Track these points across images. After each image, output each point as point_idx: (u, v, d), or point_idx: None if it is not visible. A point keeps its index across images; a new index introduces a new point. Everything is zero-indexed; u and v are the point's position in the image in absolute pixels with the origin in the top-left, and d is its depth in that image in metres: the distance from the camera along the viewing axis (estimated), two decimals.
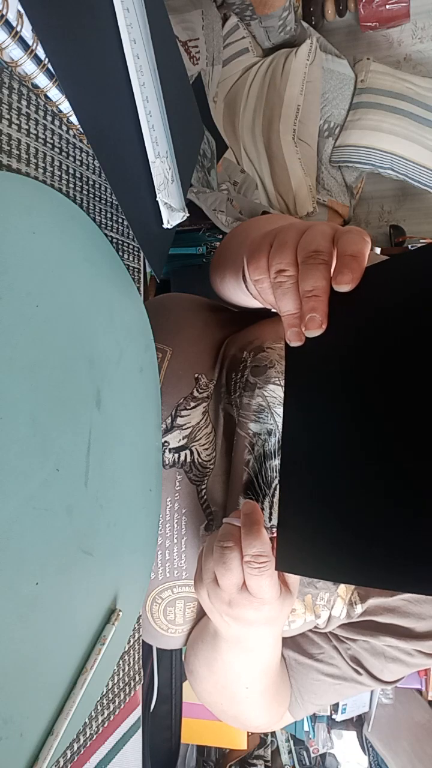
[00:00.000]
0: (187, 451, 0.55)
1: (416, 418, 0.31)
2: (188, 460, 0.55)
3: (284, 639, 0.56)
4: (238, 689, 0.52)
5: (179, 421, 0.56)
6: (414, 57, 2.11)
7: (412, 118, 1.87)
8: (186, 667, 0.57)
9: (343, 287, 0.35)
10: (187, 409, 0.56)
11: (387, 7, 2.00)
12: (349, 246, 0.36)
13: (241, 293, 0.54)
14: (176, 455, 0.55)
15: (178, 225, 0.52)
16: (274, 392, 0.52)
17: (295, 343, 0.39)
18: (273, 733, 1.52)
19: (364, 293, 0.36)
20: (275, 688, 0.53)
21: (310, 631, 0.56)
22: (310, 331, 0.37)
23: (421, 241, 1.87)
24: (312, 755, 1.47)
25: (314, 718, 1.46)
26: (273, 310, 0.44)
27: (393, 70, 1.94)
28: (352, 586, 0.52)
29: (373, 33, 2.10)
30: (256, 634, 0.45)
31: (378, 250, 1.73)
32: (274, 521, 0.51)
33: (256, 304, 0.51)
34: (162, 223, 0.50)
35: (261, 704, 0.53)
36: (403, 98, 1.88)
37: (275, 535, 0.40)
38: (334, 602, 0.52)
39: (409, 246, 1.84)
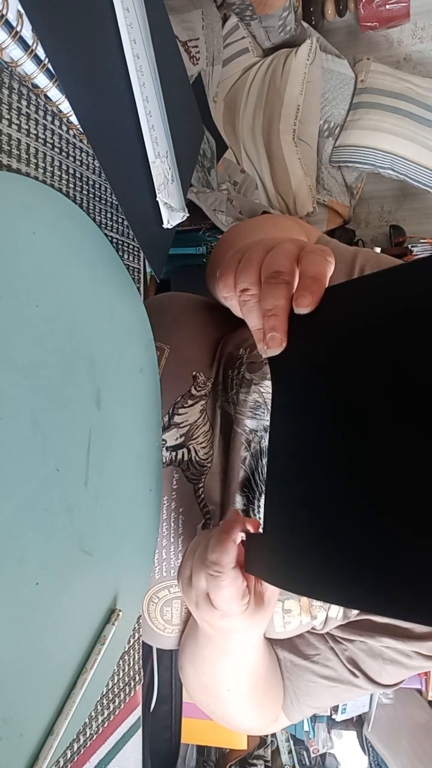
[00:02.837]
0: (185, 450, 0.55)
1: (384, 440, 0.31)
2: (185, 458, 0.55)
3: (280, 640, 0.56)
4: (220, 690, 0.52)
5: (177, 419, 0.56)
6: (414, 57, 2.11)
7: (412, 118, 1.87)
8: (178, 664, 0.57)
9: (302, 310, 0.36)
10: (185, 407, 0.56)
11: (387, 7, 2.00)
12: (310, 267, 0.36)
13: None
14: (173, 453, 0.55)
15: (178, 225, 0.52)
16: (270, 388, 0.52)
17: (266, 356, 0.40)
18: (273, 734, 1.52)
19: (332, 312, 0.36)
20: (262, 690, 0.53)
21: (307, 632, 0.56)
22: (270, 350, 0.38)
23: (421, 241, 1.86)
24: (312, 755, 1.47)
25: (314, 718, 1.46)
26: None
27: (393, 70, 1.94)
28: None
29: (373, 33, 2.10)
30: (231, 638, 0.45)
31: (378, 250, 1.72)
32: None
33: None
34: (162, 223, 0.50)
35: (246, 706, 0.53)
36: (403, 98, 1.88)
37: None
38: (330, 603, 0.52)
39: (409, 246, 1.84)
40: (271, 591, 0.43)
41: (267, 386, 0.53)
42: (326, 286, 0.36)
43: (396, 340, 0.31)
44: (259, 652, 0.49)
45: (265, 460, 0.52)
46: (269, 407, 0.52)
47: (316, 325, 0.36)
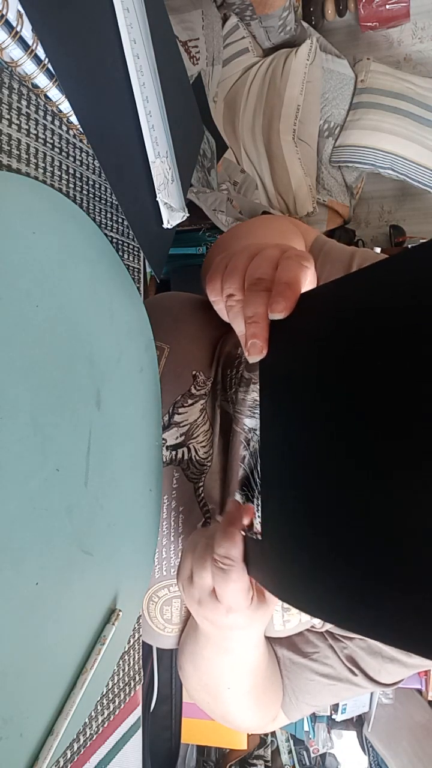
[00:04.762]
0: (185, 449, 0.55)
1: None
2: (186, 457, 0.55)
3: (279, 638, 0.56)
4: (221, 689, 0.52)
5: (177, 418, 0.56)
6: (414, 57, 2.11)
7: (412, 118, 1.87)
8: (177, 663, 0.57)
9: (276, 315, 0.36)
10: (185, 407, 0.56)
11: (387, 7, 2.00)
12: (285, 273, 0.37)
13: None
14: (174, 452, 0.55)
15: (178, 225, 0.52)
16: None
17: (250, 362, 0.40)
18: (273, 733, 1.52)
19: (310, 316, 0.35)
20: (262, 689, 0.53)
21: (306, 630, 0.56)
22: (251, 356, 0.38)
23: (421, 240, 1.86)
24: (312, 755, 1.47)
25: (314, 718, 1.46)
26: None
27: (393, 70, 1.94)
28: None
29: (373, 33, 2.10)
30: (232, 637, 0.44)
31: (378, 250, 1.72)
32: None
33: None
34: (162, 223, 0.50)
35: (246, 705, 0.53)
36: (403, 98, 1.88)
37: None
38: None
39: (409, 246, 1.84)
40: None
41: None
42: (300, 291, 0.36)
43: (369, 340, 0.30)
44: (259, 650, 0.49)
45: None
46: None
47: (295, 331, 0.36)
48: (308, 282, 0.37)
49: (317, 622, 0.53)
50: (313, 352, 0.35)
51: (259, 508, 0.52)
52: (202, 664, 0.51)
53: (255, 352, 0.38)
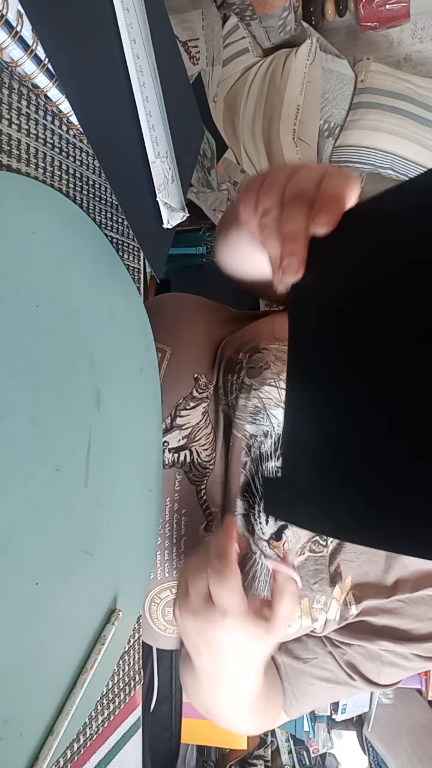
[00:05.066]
0: (187, 452, 0.55)
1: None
2: (188, 460, 0.55)
3: (278, 644, 0.56)
4: (220, 715, 0.52)
5: (179, 421, 0.56)
6: (414, 57, 2.10)
7: (412, 118, 1.87)
8: (180, 679, 0.58)
9: (318, 230, 0.34)
10: (187, 409, 0.56)
11: (387, 7, 2.00)
12: (331, 186, 0.35)
13: (242, 250, 0.53)
14: (176, 455, 0.55)
15: (178, 225, 0.52)
16: (270, 393, 0.52)
17: (281, 288, 0.37)
18: (273, 733, 1.52)
19: (350, 237, 0.33)
20: (263, 706, 0.53)
21: (306, 635, 0.56)
22: (286, 277, 0.36)
23: None
24: (312, 755, 1.47)
25: (314, 718, 1.46)
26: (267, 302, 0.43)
27: (393, 70, 1.93)
28: (347, 588, 0.52)
29: (373, 33, 2.10)
30: (228, 663, 0.43)
31: None
32: (269, 526, 0.51)
33: (257, 265, 0.49)
34: (162, 223, 0.50)
35: (249, 721, 0.54)
36: (403, 98, 1.88)
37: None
38: (329, 605, 0.52)
39: None
40: (281, 606, 0.41)
41: (266, 392, 0.52)
42: (346, 206, 0.34)
43: (413, 269, 0.29)
44: (259, 681, 0.47)
45: (265, 465, 0.52)
46: (269, 413, 0.52)
47: (333, 253, 0.34)
48: (352, 201, 0.35)
49: (318, 627, 0.53)
50: (353, 277, 0.33)
51: (260, 513, 0.52)
52: (204, 701, 0.51)
53: (291, 271, 0.35)
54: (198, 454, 0.55)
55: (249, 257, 0.53)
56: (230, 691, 0.47)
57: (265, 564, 0.51)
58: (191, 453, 0.55)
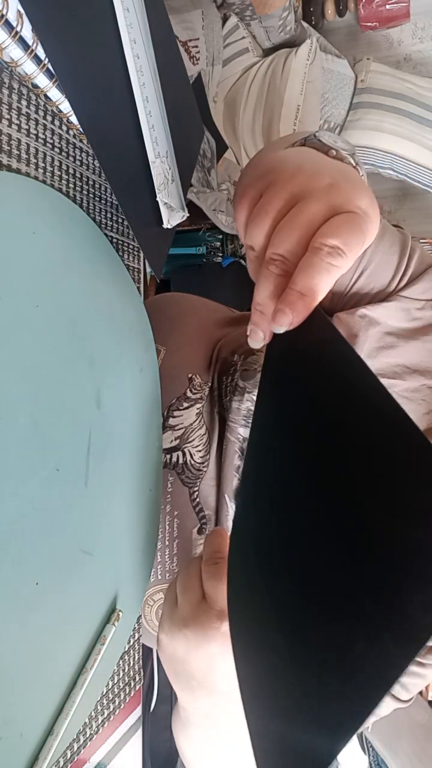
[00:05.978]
0: (180, 453, 0.54)
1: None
2: (180, 461, 0.54)
3: None
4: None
5: (171, 421, 0.55)
6: (414, 57, 2.11)
7: (412, 118, 1.87)
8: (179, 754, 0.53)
9: (277, 329, 0.31)
10: (180, 410, 0.55)
11: (387, 7, 2.00)
12: (302, 277, 0.30)
13: None
14: (168, 456, 0.54)
15: (178, 225, 0.52)
16: None
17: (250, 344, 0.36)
18: None
19: (312, 343, 0.31)
20: None
21: None
22: (250, 342, 0.35)
23: (421, 241, 1.86)
24: None
25: None
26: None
27: (393, 70, 1.93)
28: None
29: (373, 33, 2.10)
30: (227, 689, 0.38)
31: None
32: None
33: None
34: (162, 223, 0.50)
35: None
36: (403, 98, 1.88)
37: None
38: None
39: None
40: None
41: None
42: (314, 305, 0.31)
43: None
44: None
45: None
46: None
47: (300, 343, 0.32)
48: (361, 248, 0.32)
49: None
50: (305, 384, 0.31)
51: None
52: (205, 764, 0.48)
53: (254, 339, 0.34)
54: (191, 456, 0.54)
55: None
56: (231, 735, 0.41)
57: None
58: (184, 454, 0.54)
